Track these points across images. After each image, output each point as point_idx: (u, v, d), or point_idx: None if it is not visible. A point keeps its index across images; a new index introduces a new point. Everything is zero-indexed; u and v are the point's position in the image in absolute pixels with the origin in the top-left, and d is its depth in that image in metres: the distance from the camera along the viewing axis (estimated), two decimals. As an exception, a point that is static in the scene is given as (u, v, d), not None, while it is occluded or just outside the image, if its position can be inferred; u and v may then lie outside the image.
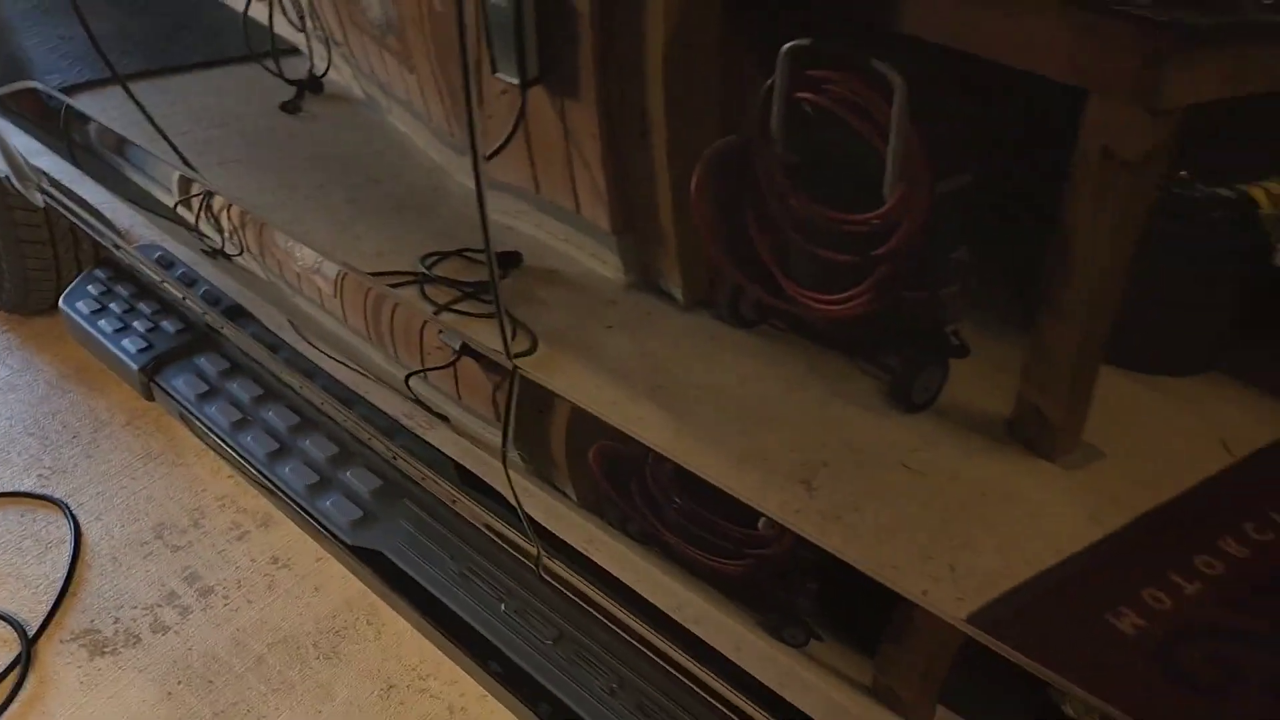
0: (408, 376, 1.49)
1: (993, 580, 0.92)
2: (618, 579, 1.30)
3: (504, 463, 1.37)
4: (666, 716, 1.28)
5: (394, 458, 1.68)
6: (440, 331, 1.42)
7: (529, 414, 1.34)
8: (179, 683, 1.92)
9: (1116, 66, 0.71)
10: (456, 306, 1.36)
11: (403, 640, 1.94)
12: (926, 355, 0.91)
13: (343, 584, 2.06)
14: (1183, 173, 0.72)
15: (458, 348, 1.39)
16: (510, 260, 1.23)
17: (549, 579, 1.41)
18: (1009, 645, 0.92)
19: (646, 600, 1.28)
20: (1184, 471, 0.79)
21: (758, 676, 1.19)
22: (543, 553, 1.40)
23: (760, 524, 1.09)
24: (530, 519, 1.38)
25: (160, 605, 2.08)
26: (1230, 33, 0.68)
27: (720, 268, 1.02)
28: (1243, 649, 0.80)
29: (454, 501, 1.55)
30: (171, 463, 2.45)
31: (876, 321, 0.92)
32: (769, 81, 0.85)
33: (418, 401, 1.49)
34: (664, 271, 1.07)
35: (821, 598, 1.11)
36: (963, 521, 0.93)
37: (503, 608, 1.47)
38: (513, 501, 1.40)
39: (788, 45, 0.83)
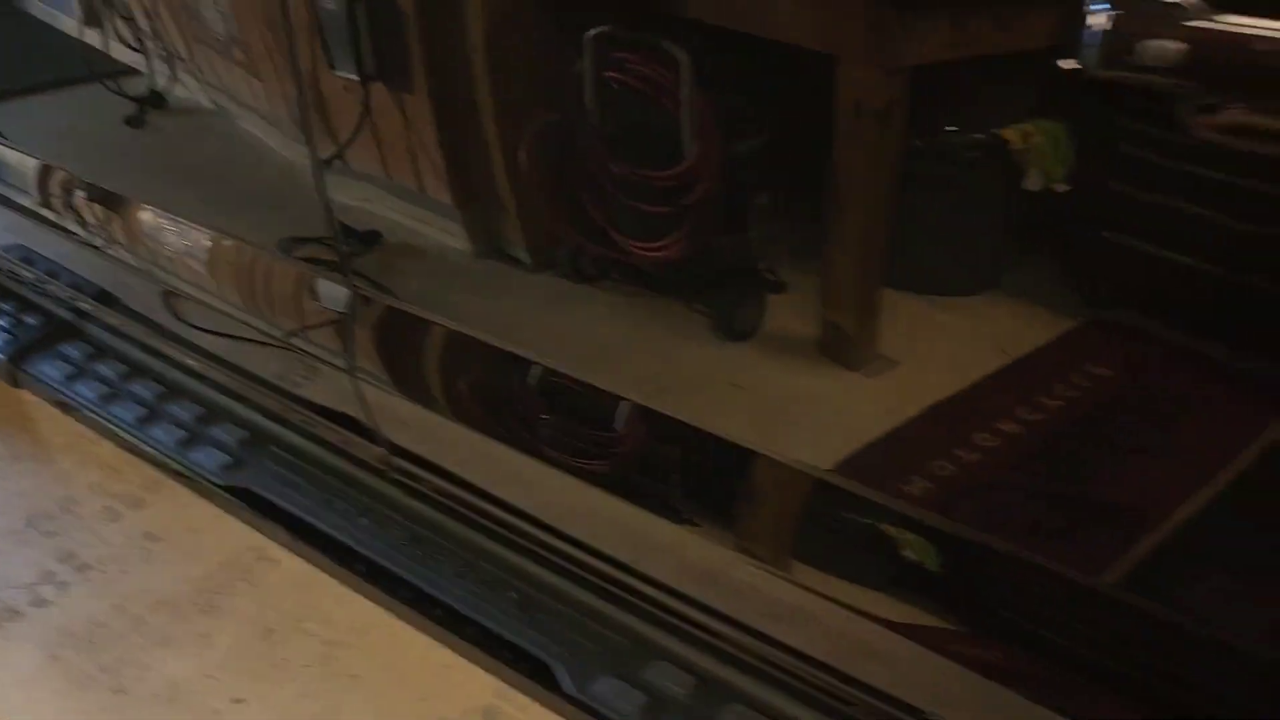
0: (287, 335, 1.61)
1: (803, 453, 1.08)
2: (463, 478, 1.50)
3: (351, 374, 1.51)
4: (512, 588, 1.51)
5: (259, 407, 1.86)
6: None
7: (371, 329, 1.48)
8: (63, 646, 1.99)
9: (855, 35, 0.86)
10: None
11: (279, 591, 2.04)
12: (744, 291, 1.06)
13: (218, 549, 2.15)
14: (951, 127, 0.87)
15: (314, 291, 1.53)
16: (370, 238, 1.34)
17: (398, 478, 1.62)
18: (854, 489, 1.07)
19: (496, 496, 1.47)
20: (966, 372, 0.95)
21: (617, 556, 1.36)
22: (390, 453, 1.59)
23: (615, 422, 1.24)
24: (377, 429, 1.57)
25: (38, 584, 2.14)
26: (947, 4, 0.83)
27: (558, 230, 1.15)
28: (1010, 500, 0.98)
29: (316, 431, 1.74)
30: (39, 460, 2.49)
31: (697, 265, 1.07)
32: (579, 64, 0.98)
33: (283, 346, 1.63)
34: (509, 238, 1.20)
35: (681, 483, 1.25)
36: (782, 422, 1.09)
37: (363, 521, 1.67)
38: (360, 414, 1.56)
39: (591, 32, 0.97)
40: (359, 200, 1.32)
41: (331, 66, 1.17)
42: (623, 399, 1.21)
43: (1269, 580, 0.86)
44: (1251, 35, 0.68)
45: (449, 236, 1.25)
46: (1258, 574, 0.86)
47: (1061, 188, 0.83)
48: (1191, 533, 0.86)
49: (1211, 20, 0.68)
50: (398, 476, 1.63)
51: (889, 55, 0.85)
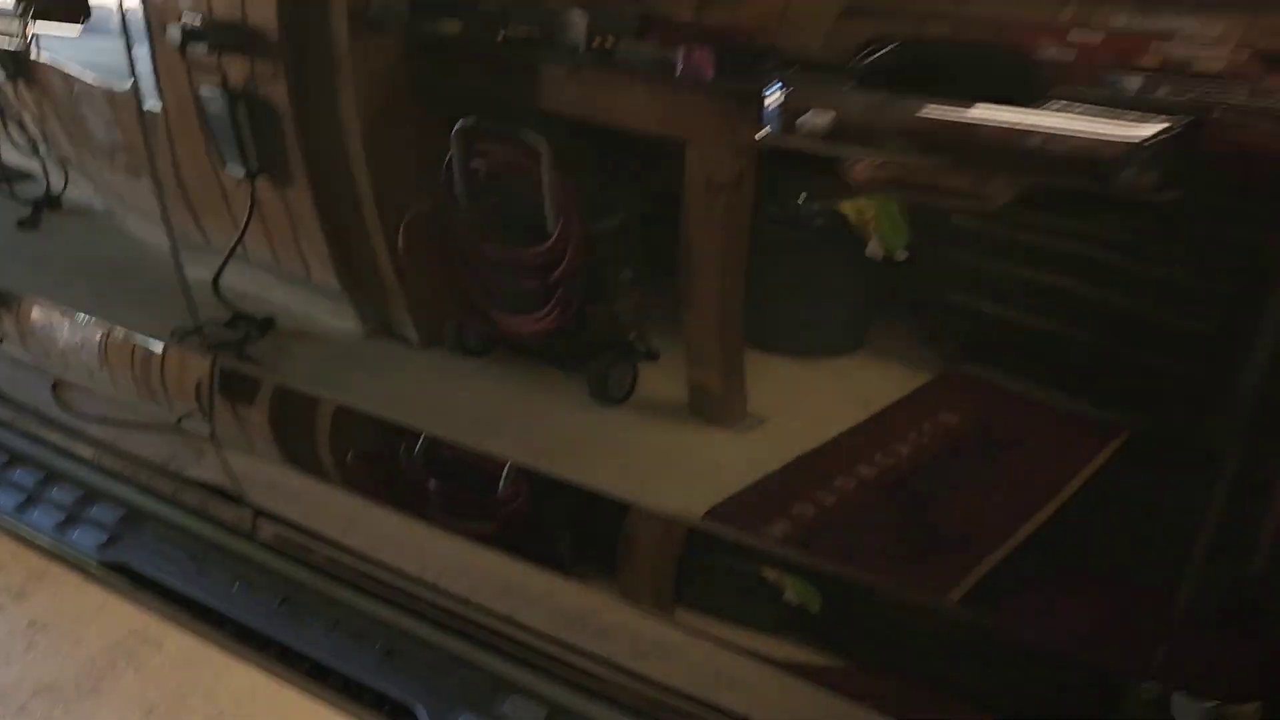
0: (179, 419, 1.67)
1: (675, 504, 1.17)
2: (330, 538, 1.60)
3: (213, 441, 1.59)
4: (378, 638, 1.58)
5: (138, 485, 1.91)
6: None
7: (234, 399, 1.57)
8: (-57, 739, 1.97)
9: (702, 122, 0.95)
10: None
11: (162, 671, 2.06)
12: (614, 359, 1.13)
13: (102, 634, 2.15)
14: (799, 198, 0.96)
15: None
16: (265, 325, 1.40)
17: (264, 542, 1.72)
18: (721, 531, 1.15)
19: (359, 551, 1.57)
20: (831, 425, 1.04)
21: (474, 599, 1.43)
22: (257, 516, 1.69)
23: (500, 486, 1.31)
24: (243, 495, 1.67)
25: (-81, 680, 2.11)
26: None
27: (442, 309, 1.22)
28: (861, 535, 1.07)
29: (190, 503, 1.81)
30: (-82, 563, 2.47)
31: (571, 335, 1.14)
32: (449, 155, 1.07)
33: (159, 425, 1.70)
34: (397, 319, 1.27)
35: (565, 541, 1.33)
36: (654, 479, 1.16)
37: (235, 588, 1.74)
38: (228, 483, 1.66)
39: (458, 126, 1.05)
40: (256, 287, 1.38)
41: (220, 164, 1.24)
42: (487, 458, 1.29)
43: (1087, 594, 0.95)
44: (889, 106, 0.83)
45: (340, 319, 1.32)
46: (1077, 589, 0.96)
47: (902, 255, 0.91)
48: (1023, 554, 0.95)
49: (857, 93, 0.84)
50: (264, 540, 1.72)
51: (734, 138, 0.94)
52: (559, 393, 1.20)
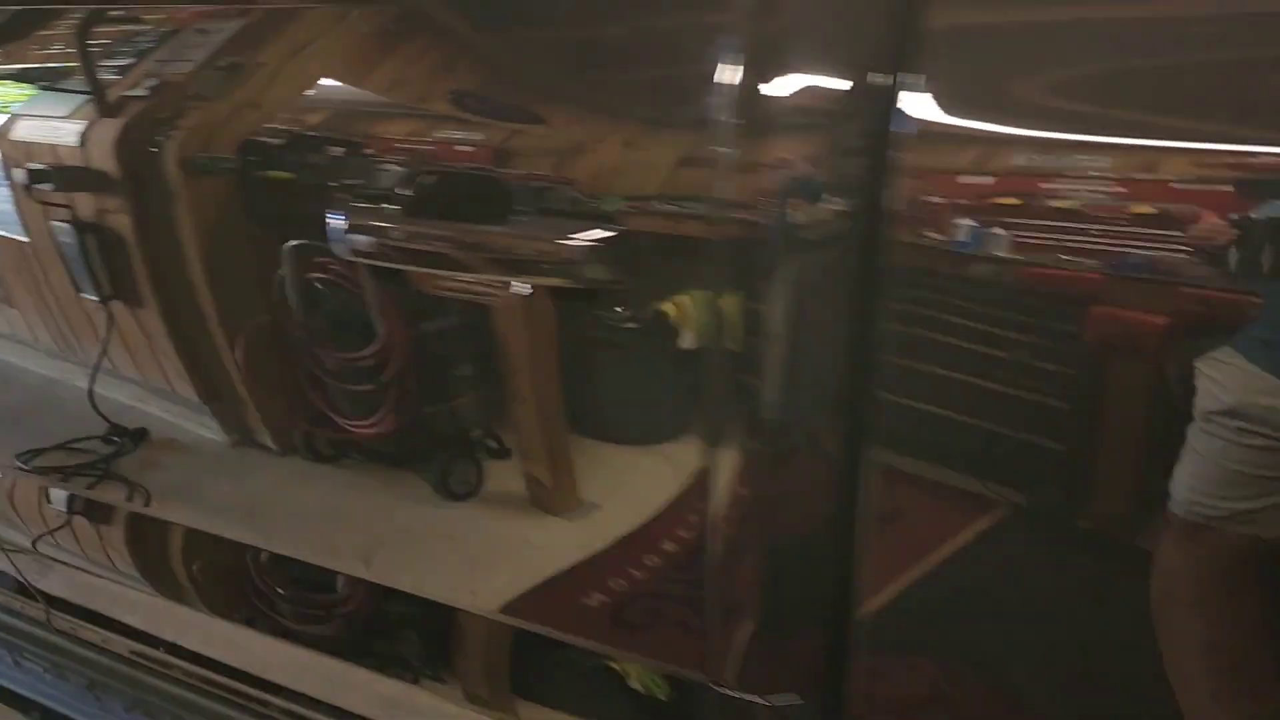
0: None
1: (502, 595, 1.23)
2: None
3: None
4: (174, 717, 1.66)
5: None
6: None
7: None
8: None
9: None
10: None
11: None
12: (456, 455, 1.21)
13: None
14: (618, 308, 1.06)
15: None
16: (138, 436, 1.48)
17: (59, 631, 1.84)
18: (517, 619, 1.24)
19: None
20: (653, 506, 1.10)
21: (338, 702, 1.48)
22: (50, 612, 1.82)
23: (339, 586, 1.38)
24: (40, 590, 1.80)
25: None
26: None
27: (289, 418, 1.30)
28: (664, 603, 1.14)
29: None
30: None
31: (412, 435, 1.23)
32: (282, 271, 1.17)
33: None
34: (254, 428, 1.35)
35: (403, 639, 1.40)
36: (486, 565, 1.24)
37: (47, 676, 1.85)
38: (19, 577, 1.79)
39: (288, 244, 1.16)
40: (131, 400, 1.46)
41: (76, 290, 1.34)
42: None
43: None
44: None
45: (205, 429, 1.40)
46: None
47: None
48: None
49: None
50: (60, 629, 1.83)
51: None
52: (406, 492, 1.27)
